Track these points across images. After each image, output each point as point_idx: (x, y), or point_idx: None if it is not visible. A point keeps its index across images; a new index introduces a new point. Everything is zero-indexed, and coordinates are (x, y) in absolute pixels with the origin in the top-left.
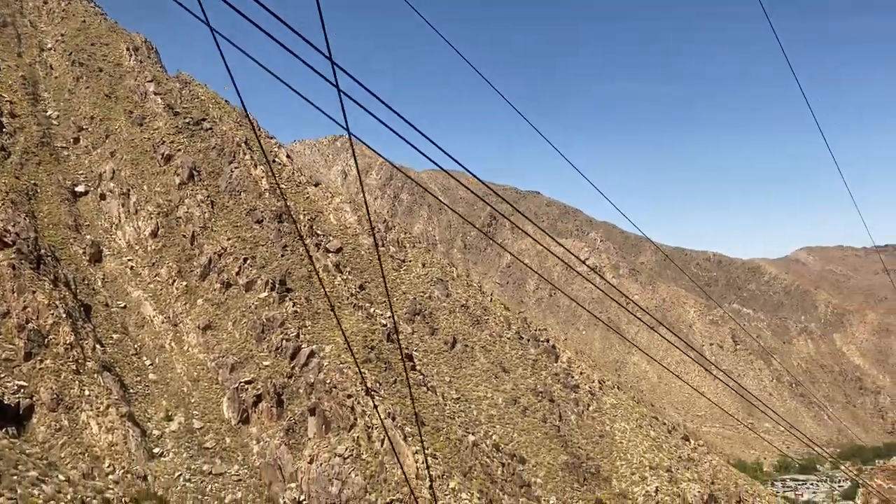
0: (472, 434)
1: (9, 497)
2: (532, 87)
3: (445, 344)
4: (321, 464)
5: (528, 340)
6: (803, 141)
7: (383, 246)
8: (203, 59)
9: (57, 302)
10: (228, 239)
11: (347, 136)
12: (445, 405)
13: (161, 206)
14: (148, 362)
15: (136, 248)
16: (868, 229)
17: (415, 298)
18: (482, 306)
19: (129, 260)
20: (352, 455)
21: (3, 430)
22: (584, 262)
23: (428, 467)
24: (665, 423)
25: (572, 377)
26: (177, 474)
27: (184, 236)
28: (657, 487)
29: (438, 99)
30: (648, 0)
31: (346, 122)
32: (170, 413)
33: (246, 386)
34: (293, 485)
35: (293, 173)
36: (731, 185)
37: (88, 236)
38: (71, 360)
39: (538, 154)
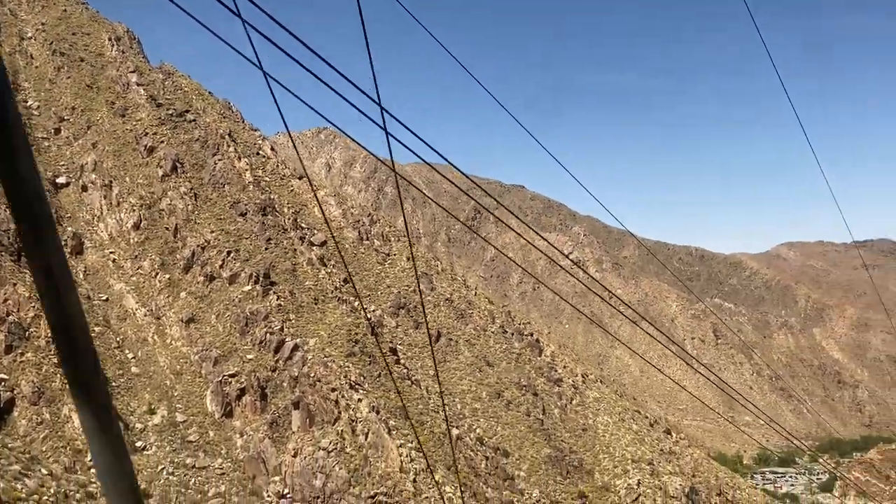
0: (456, 427)
1: None
2: (517, 80)
3: (430, 337)
4: (305, 457)
5: (513, 334)
6: (785, 137)
7: (367, 239)
8: (191, 50)
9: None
10: (212, 231)
11: (331, 129)
12: (430, 399)
13: (144, 198)
14: (130, 355)
15: (119, 240)
16: (848, 225)
17: (399, 292)
18: (466, 300)
19: (111, 252)
20: (336, 448)
21: None
22: (567, 257)
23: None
24: (647, 417)
25: (556, 371)
26: (160, 468)
27: (167, 229)
28: (639, 480)
29: (421, 90)
30: None
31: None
32: (152, 406)
33: (229, 379)
34: (277, 478)
35: (277, 166)
36: (714, 179)
37: (70, 228)
38: (52, 353)
39: (523, 147)
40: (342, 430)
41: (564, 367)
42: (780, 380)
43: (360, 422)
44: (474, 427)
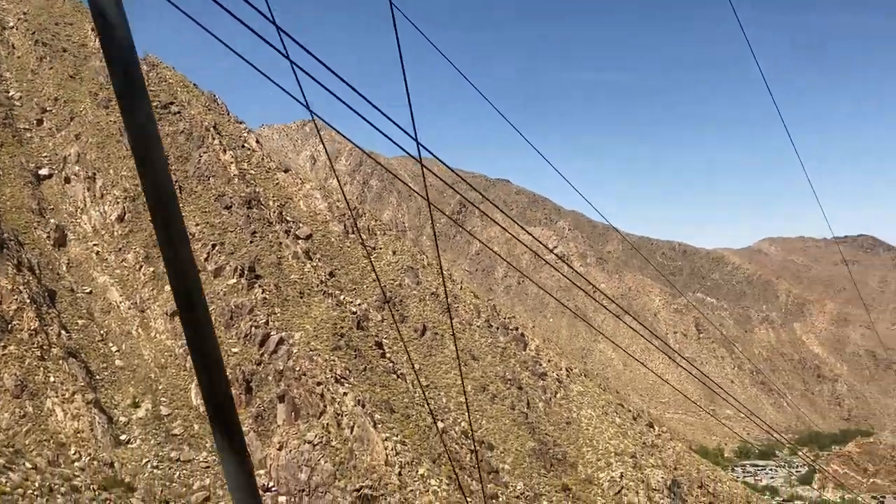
0: (441, 421)
1: None
2: (502, 74)
3: (415, 331)
4: (290, 451)
5: (498, 328)
6: (768, 134)
7: (353, 233)
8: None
9: (21, 287)
10: (197, 224)
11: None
12: (415, 392)
13: (128, 190)
14: (114, 348)
15: (102, 232)
16: (828, 221)
17: (385, 286)
18: (452, 294)
19: (94, 245)
20: (321, 442)
21: None
22: (552, 251)
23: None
24: (630, 410)
25: (540, 365)
26: (144, 461)
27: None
28: (622, 473)
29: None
30: None
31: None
32: (137, 400)
33: None
34: (262, 471)
35: (262, 159)
36: (698, 175)
37: (53, 220)
38: (35, 346)
39: (508, 141)
40: (328, 424)
41: (549, 360)
42: (760, 374)
43: (345, 415)
44: (459, 420)
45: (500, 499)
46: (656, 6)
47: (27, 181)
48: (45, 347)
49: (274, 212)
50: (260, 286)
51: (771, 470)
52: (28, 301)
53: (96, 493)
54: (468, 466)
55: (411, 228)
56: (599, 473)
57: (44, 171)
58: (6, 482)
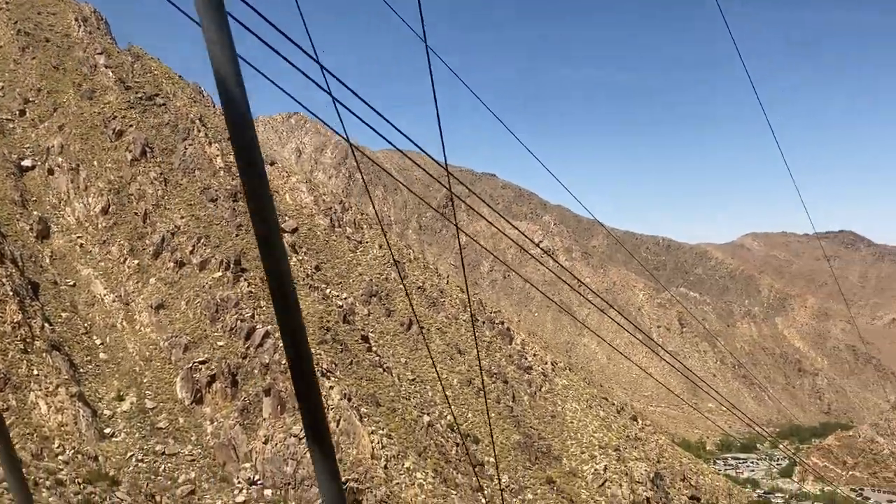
0: (428, 414)
1: None
2: (502, 74)
3: (402, 325)
4: (276, 444)
5: (484, 323)
6: (752, 130)
7: (339, 227)
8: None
9: (3, 279)
10: (182, 217)
11: (302, 113)
12: (401, 386)
13: (112, 182)
14: (98, 341)
15: (86, 224)
16: (810, 216)
17: (371, 280)
18: (438, 288)
19: (78, 237)
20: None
21: None
22: (537, 245)
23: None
24: (614, 404)
25: (526, 359)
26: (129, 455)
27: (136, 214)
28: (606, 466)
29: (392, 76)
30: None
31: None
32: (121, 393)
33: (200, 366)
34: (247, 465)
35: None
36: (683, 171)
37: (36, 212)
38: (18, 338)
39: (495, 135)
40: None
41: (534, 354)
42: (742, 368)
43: (331, 409)
44: (445, 414)
45: (486, 491)
46: (656, 6)
47: (9, 172)
48: (28, 340)
49: None
50: (246, 279)
51: (752, 463)
52: (11, 293)
53: (81, 486)
54: (454, 459)
55: (397, 222)
56: (584, 466)
57: (27, 163)
58: None
